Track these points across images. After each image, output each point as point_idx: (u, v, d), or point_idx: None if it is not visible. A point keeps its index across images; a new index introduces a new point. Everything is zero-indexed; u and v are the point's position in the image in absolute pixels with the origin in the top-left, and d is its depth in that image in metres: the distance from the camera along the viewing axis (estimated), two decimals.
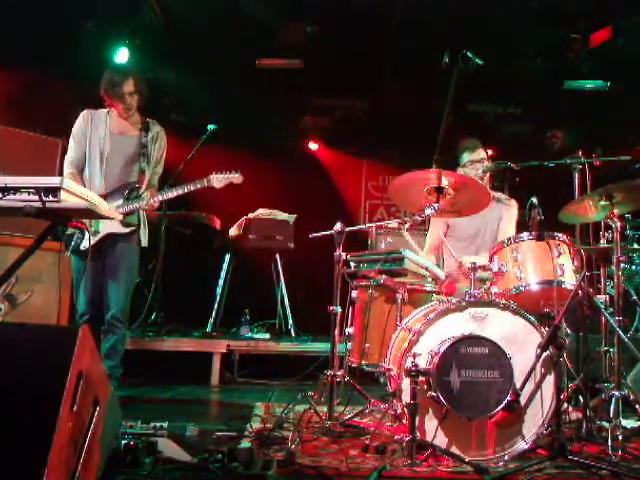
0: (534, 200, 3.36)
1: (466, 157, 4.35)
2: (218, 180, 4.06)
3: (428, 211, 3.52)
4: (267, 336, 6.16)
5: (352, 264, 3.94)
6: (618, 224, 3.42)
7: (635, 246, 3.55)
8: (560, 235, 3.36)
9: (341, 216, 4.09)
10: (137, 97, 4.08)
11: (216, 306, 6.41)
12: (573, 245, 3.39)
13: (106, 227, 3.94)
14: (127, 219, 3.96)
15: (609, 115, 6.95)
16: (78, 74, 5.29)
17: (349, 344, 3.87)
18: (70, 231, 3.85)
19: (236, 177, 4.10)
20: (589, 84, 7.15)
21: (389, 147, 7.50)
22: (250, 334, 6.22)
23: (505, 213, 4.38)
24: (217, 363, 5.47)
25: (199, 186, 4.04)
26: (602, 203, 3.46)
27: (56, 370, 1.85)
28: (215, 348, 5.53)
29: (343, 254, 3.86)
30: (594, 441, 3.22)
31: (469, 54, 3.80)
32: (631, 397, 3.33)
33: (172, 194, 4.04)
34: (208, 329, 6.24)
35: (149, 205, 4.01)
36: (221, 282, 6.52)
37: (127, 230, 3.96)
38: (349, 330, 3.89)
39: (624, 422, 3.24)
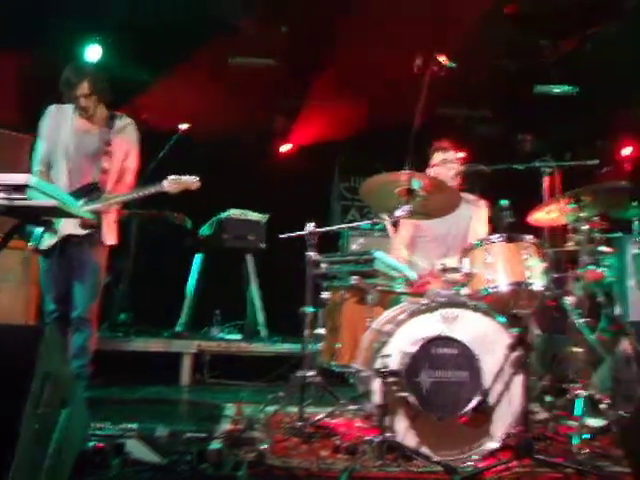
0: (504, 203, 3.40)
1: (439, 157, 4.37)
2: (172, 185, 3.91)
3: (399, 213, 3.53)
4: (238, 337, 6.13)
5: (324, 265, 3.94)
6: (585, 227, 3.49)
7: (602, 248, 3.61)
8: (529, 238, 3.40)
9: (313, 217, 4.07)
10: (95, 98, 3.90)
11: (187, 306, 6.35)
12: (542, 247, 3.43)
13: (65, 228, 3.79)
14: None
15: (578, 119, 7.03)
16: (49, 70, 5.16)
17: (320, 345, 3.87)
18: (35, 228, 3.72)
19: (192, 182, 3.96)
20: (558, 89, 7.28)
21: (361, 149, 7.52)
22: (221, 335, 6.18)
23: (475, 214, 4.40)
24: (188, 364, 5.43)
25: (152, 191, 3.91)
26: (570, 206, 3.52)
27: (21, 371, 1.81)
28: (185, 349, 5.49)
29: (315, 255, 3.85)
30: (561, 440, 3.27)
31: (442, 58, 3.82)
32: (597, 396, 3.39)
33: (125, 198, 3.92)
34: (178, 329, 6.19)
35: (106, 207, 3.87)
36: (192, 282, 6.46)
37: (84, 232, 3.81)
38: (320, 331, 3.89)
39: (589, 421, 3.30)
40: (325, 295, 3.96)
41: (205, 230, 6.60)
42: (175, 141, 4.83)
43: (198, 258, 6.58)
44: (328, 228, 4.24)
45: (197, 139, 5.44)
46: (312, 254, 3.86)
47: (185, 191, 3.93)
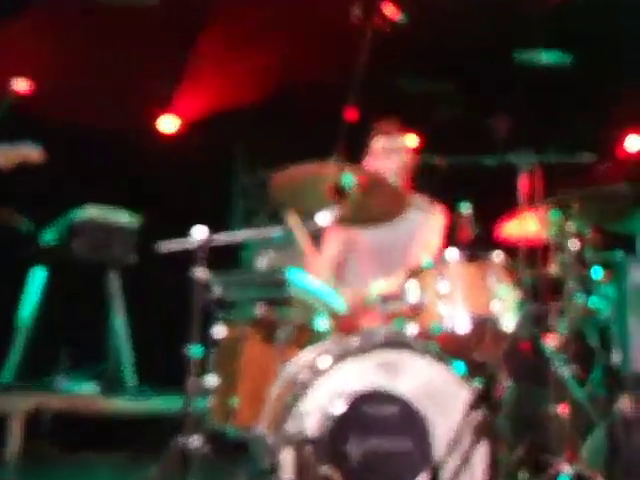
0: (466, 208, 3.53)
1: (381, 143, 4.42)
2: (2, 155, 3.86)
3: (324, 219, 3.60)
4: (94, 388, 6.05)
5: (217, 288, 3.94)
6: (574, 244, 3.57)
7: (596, 273, 3.77)
8: (498, 256, 3.48)
9: (205, 221, 4.06)
10: None
11: (19, 343, 6.21)
12: (515, 270, 3.53)
13: None
14: None
15: (570, 100, 7.23)
16: None
17: (210, 400, 3.87)
18: None
19: (33, 152, 3.92)
20: (546, 56, 7.40)
21: (274, 129, 7.57)
22: (70, 386, 6.07)
23: (427, 223, 4.46)
24: (17, 429, 5.30)
25: None
26: (554, 216, 3.61)
27: None
28: (14, 407, 5.37)
29: (206, 274, 3.84)
30: None
31: (388, 8, 3.90)
32: (586, 474, 3.39)
33: None
34: (4, 379, 6.04)
35: None
36: (28, 308, 6.33)
37: None
38: (210, 380, 3.88)
39: None
40: (218, 330, 3.95)
41: (49, 235, 6.49)
42: (7, 108, 4.74)
43: (38, 274, 6.46)
44: (226, 237, 4.20)
45: (42, 107, 5.34)
46: (201, 272, 3.84)
47: (21, 167, 3.89)
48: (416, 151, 4.40)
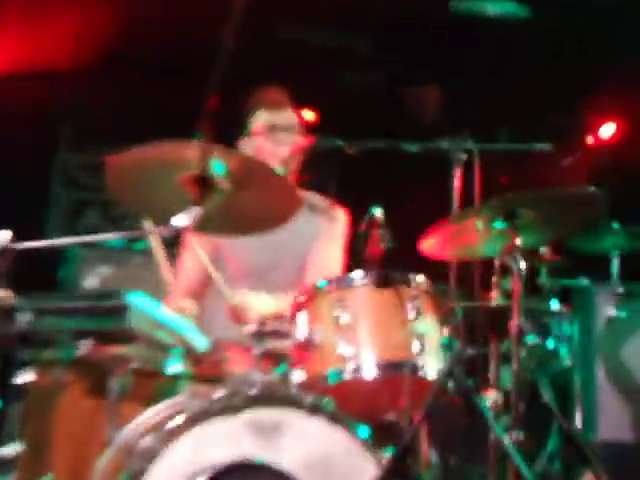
0: (378, 212, 3.59)
1: (262, 120, 4.48)
2: None
3: (181, 222, 3.55)
4: None
5: (24, 317, 3.85)
6: (524, 265, 3.62)
7: (553, 305, 3.78)
8: (420, 280, 3.56)
9: (10, 222, 3.98)
10: None
11: None
12: (443, 299, 3.62)
13: None
14: None
15: (527, 69, 7.40)
16: None
17: (11, 478, 3.79)
18: None
19: None
20: (495, 6, 7.51)
21: (109, 98, 7.61)
22: None
23: (325, 230, 4.53)
24: None
25: None
26: (497, 225, 3.69)
27: None
28: None
29: (7, 296, 3.75)
30: None
31: None
32: None
33: None
34: None
35: None
36: None
37: None
38: (11, 448, 3.81)
39: None
40: (25, 377, 3.89)
41: None
42: None
43: None
44: (38, 242, 4.06)
45: None
46: (1, 295, 3.74)
47: None
48: (313, 131, 4.40)
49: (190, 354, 3.88)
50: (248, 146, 4.47)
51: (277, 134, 4.41)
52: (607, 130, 7.87)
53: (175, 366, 3.85)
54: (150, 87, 6.95)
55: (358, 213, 3.91)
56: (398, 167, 3.94)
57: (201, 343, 3.90)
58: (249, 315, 3.64)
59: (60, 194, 8.07)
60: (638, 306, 5.59)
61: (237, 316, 3.78)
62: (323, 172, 4.48)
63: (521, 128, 4.04)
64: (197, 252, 4.42)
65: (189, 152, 3.50)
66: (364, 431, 3.33)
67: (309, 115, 4.61)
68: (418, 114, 7.55)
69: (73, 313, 3.81)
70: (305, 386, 3.50)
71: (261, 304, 3.89)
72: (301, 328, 3.55)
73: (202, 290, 4.54)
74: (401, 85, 7.80)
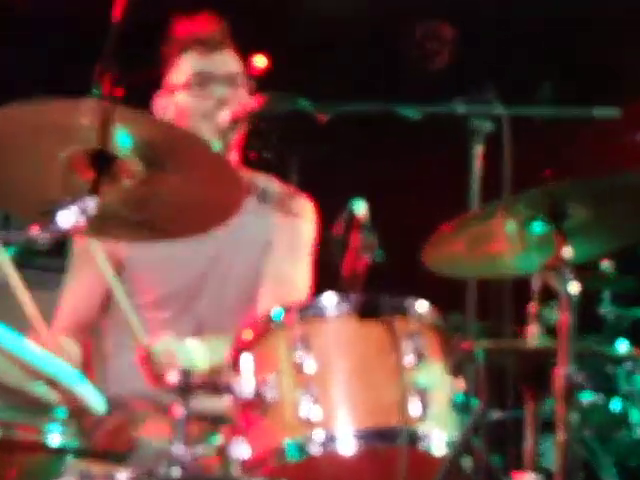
0: (359, 208, 3.18)
1: (187, 66, 4.07)
2: None
3: (66, 219, 2.93)
4: None
5: None
6: (575, 287, 3.11)
7: (620, 347, 3.32)
8: (422, 308, 2.98)
9: None
10: None
11: None
12: (455, 337, 3.07)
13: None
14: None
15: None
16: None
17: None
18: None
19: None
20: None
21: None
22: None
23: (282, 231, 4.17)
24: None
25: None
26: (538, 229, 3.27)
27: None
28: None
29: None
30: None
31: None
32: None
33: None
34: None
35: None
36: None
37: None
38: None
39: None
40: None
41: None
42: None
43: None
44: None
45: None
46: None
47: None
48: (265, 87, 3.84)
49: (80, 417, 3.28)
50: (167, 107, 4.07)
51: (210, 88, 3.94)
52: None
53: (57, 435, 3.22)
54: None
55: (332, 208, 3.31)
56: (393, 142, 3.52)
57: (97, 401, 3.19)
58: (170, 364, 3.17)
59: None
60: None
61: (150, 366, 3.32)
62: (281, 147, 3.98)
63: (573, 85, 3.39)
64: (95, 263, 3.85)
65: (81, 116, 2.87)
66: None
67: (260, 61, 3.97)
68: (424, 64, 6.95)
69: None
70: (251, 464, 2.90)
71: (186, 356, 3.39)
72: (246, 379, 2.90)
73: (96, 323, 4.07)
74: (393, 28, 7.25)
